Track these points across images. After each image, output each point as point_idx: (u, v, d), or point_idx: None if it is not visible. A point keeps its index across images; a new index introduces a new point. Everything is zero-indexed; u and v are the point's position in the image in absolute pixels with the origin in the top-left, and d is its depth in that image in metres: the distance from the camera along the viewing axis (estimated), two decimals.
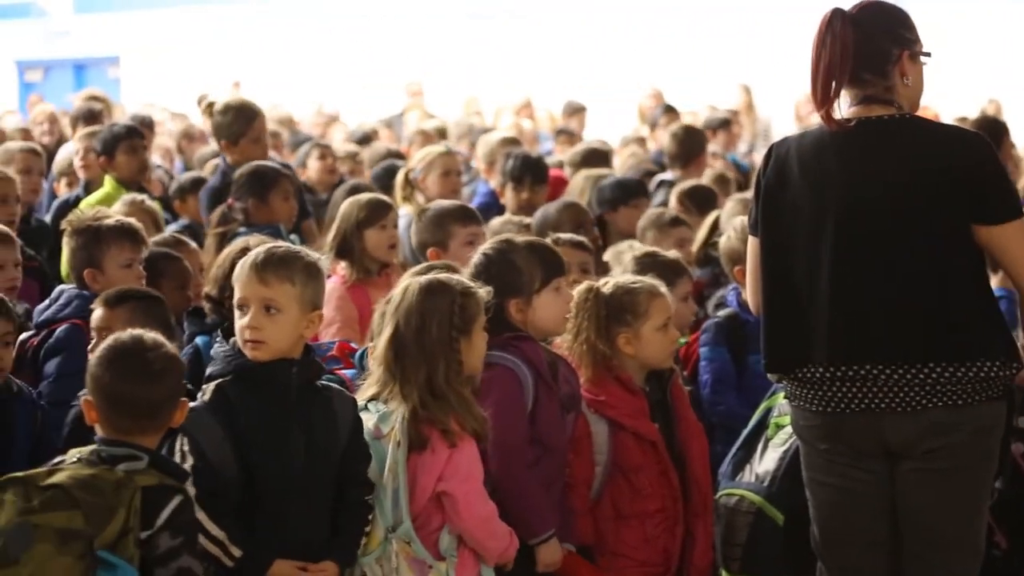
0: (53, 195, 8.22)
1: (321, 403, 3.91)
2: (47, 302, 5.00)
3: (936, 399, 3.95)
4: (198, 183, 7.71)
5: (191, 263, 5.45)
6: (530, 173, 7.53)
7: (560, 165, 9.42)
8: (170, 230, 6.59)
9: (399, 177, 7.31)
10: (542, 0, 20.68)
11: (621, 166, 9.72)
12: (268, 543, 3.79)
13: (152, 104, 15.71)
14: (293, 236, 6.37)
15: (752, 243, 4.23)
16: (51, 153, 8.88)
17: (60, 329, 4.79)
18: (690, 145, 8.95)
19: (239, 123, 7.29)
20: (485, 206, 7.43)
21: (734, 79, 15.77)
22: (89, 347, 4.29)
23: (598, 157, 9.08)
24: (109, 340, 3.62)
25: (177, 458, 3.70)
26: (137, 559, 3.40)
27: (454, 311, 4.05)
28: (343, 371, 4.41)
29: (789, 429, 4.52)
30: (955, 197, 3.96)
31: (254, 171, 6.58)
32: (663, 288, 4.77)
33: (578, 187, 7.90)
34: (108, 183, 7.30)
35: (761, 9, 18.97)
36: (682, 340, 5.50)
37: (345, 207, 5.94)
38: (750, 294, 4.30)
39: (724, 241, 5.90)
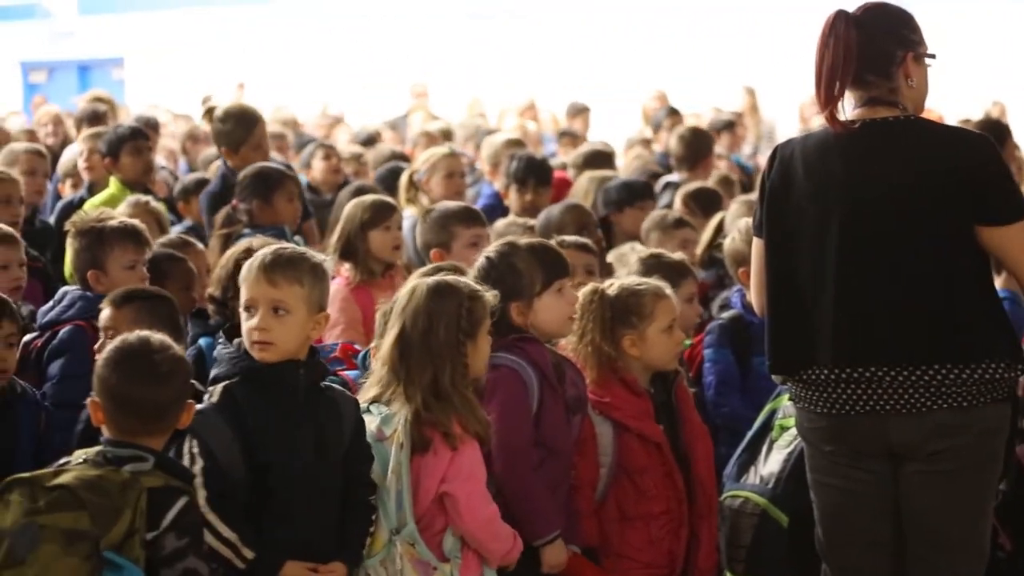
0: (57, 196, 8.20)
1: (327, 404, 3.90)
2: (51, 303, 4.99)
3: (941, 401, 3.95)
4: (202, 184, 7.70)
5: (198, 264, 5.42)
6: (534, 175, 7.52)
7: (564, 167, 9.42)
8: (175, 231, 6.59)
9: (403, 179, 7.32)
10: (543, 0, 20.67)
11: (626, 168, 9.72)
12: (278, 544, 3.78)
13: (156, 105, 15.67)
14: (297, 237, 6.37)
15: (756, 245, 4.22)
16: (55, 154, 8.86)
17: (63, 330, 4.78)
18: (697, 147, 8.94)
19: (239, 130, 7.26)
20: (489, 208, 7.42)
21: (738, 81, 15.75)
22: (96, 346, 4.29)
23: (602, 159, 9.07)
24: (116, 341, 3.62)
25: (186, 460, 3.69)
26: (143, 560, 3.40)
27: (461, 314, 4.04)
28: (346, 372, 4.40)
29: (794, 431, 4.51)
30: (960, 198, 3.96)
31: (258, 172, 6.57)
32: (668, 290, 4.77)
33: (582, 189, 7.90)
34: (112, 184, 7.29)
35: (764, 10, 18.94)
36: (687, 342, 5.50)
37: (349, 208, 5.94)
38: (754, 296, 4.30)
39: (728, 243, 5.88)
